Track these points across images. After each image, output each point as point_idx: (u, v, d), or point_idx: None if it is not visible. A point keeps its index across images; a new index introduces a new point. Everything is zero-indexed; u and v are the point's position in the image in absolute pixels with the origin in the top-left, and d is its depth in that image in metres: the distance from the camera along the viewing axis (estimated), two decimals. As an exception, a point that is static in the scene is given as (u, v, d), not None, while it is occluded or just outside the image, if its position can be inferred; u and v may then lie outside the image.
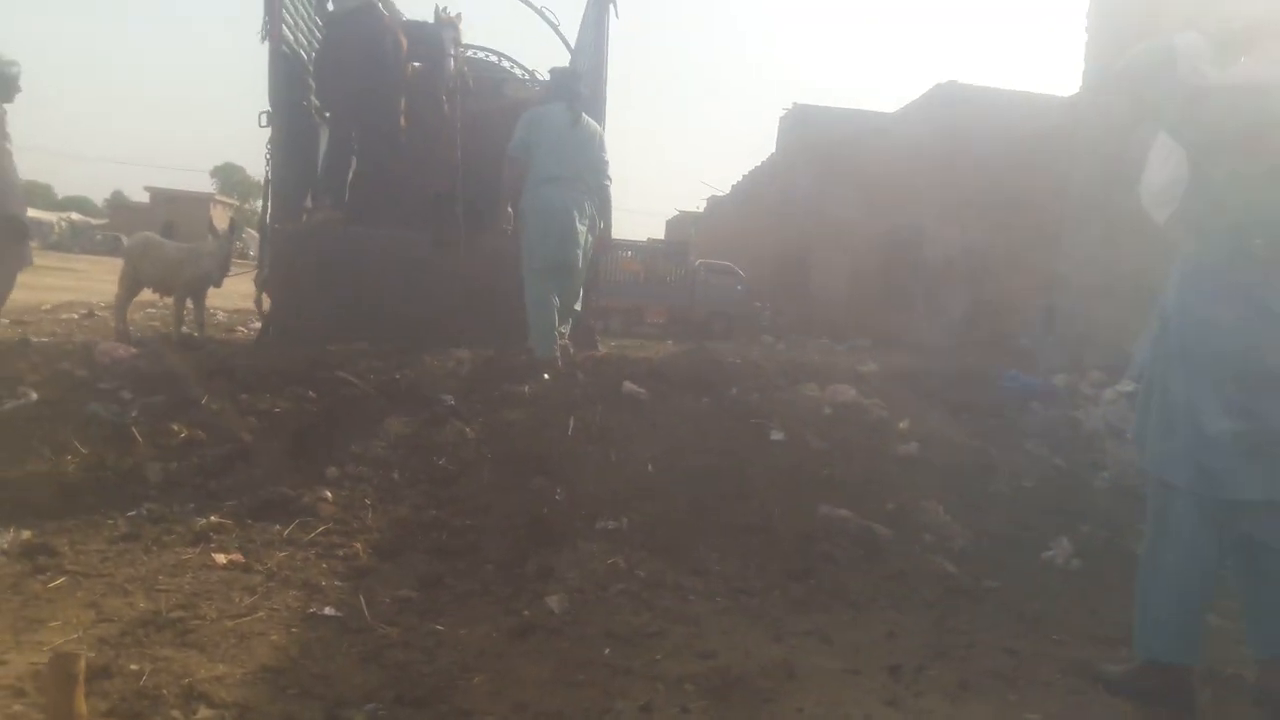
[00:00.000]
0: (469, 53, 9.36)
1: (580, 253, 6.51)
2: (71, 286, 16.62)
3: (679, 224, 48.71)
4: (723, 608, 3.31)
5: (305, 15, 8.22)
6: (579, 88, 6.67)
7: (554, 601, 3.13)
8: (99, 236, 51.77)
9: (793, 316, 22.93)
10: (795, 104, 30.35)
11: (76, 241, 50.51)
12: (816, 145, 26.61)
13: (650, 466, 4.47)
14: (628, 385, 5.33)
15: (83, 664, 1.90)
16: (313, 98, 8.04)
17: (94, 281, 19.25)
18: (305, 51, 8.12)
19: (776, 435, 4.87)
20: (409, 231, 7.48)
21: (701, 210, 46.15)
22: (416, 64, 8.15)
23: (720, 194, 42.35)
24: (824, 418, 5.31)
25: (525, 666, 2.66)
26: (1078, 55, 12.33)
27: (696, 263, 25.01)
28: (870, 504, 4.39)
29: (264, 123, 7.16)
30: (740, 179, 38.30)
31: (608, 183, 6.68)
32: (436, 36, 8.16)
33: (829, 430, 5.11)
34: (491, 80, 9.37)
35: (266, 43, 7.00)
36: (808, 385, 5.80)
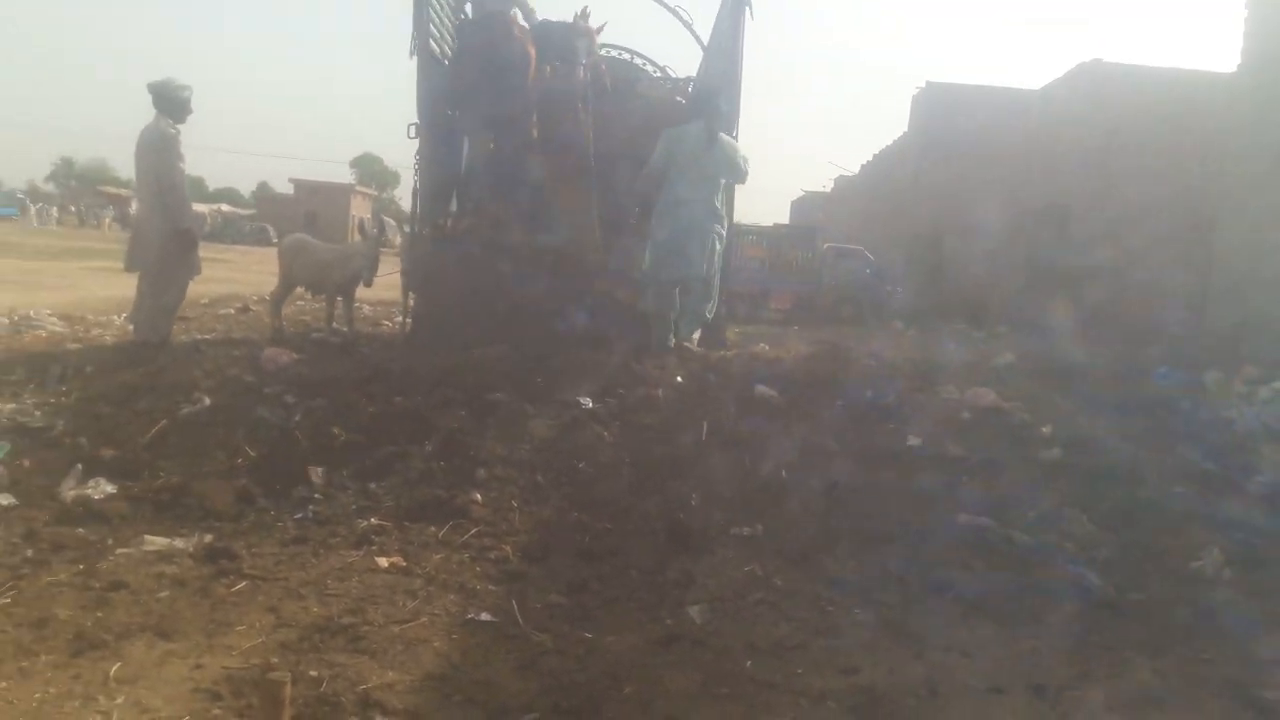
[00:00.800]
0: (603, 51, 9.49)
1: (706, 268, 6.82)
2: (225, 278, 17.62)
3: (805, 205, 48.03)
4: (861, 620, 3.34)
5: (449, 27, 8.51)
6: (719, 105, 6.94)
7: (696, 611, 3.23)
8: (248, 227, 54.58)
9: (926, 301, 22.36)
10: (928, 83, 29.61)
11: (227, 232, 53.37)
12: (952, 125, 25.89)
13: (784, 472, 4.52)
14: (760, 388, 5.37)
15: (288, 690, 2.10)
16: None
17: (246, 272, 20.41)
18: (449, 62, 8.41)
19: (913, 441, 4.85)
20: (545, 235, 7.69)
21: (829, 191, 45.42)
22: (550, 67, 8.31)
23: (849, 174, 41.63)
24: (963, 422, 5.24)
25: (672, 677, 2.77)
26: (1235, 31, 11.56)
27: (824, 246, 24.62)
28: (1011, 512, 4.34)
29: (412, 134, 7.48)
30: (870, 159, 37.58)
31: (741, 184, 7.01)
32: (570, 41, 8.31)
33: (968, 435, 5.05)
34: (626, 79, 9.48)
35: (414, 57, 7.29)
36: (945, 387, 5.72)
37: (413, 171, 7.84)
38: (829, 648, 3.07)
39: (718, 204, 7.00)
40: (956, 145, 25.24)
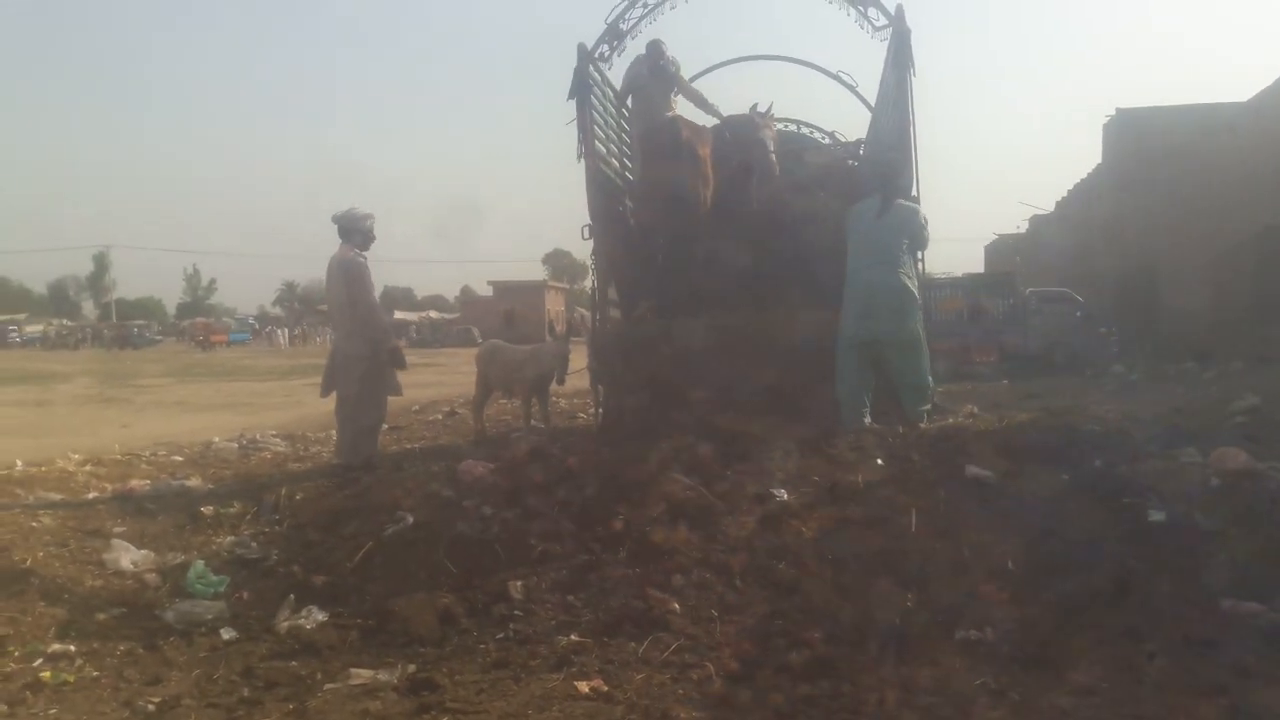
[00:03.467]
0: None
1: (903, 327, 6.80)
2: (434, 381, 18.58)
3: (999, 249, 46.15)
4: (1118, 741, 2.92)
5: (615, 125, 8.71)
6: (892, 179, 7.14)
7: (922, 737, 2.91)
8: (454, 330, 57.90)
9: (1145, 341, 20.75)
10: (1118, 109, 28.03)
11: (435, 336, 56.73)
12: (1150, 149, 24.34)
13: (1010, 562, 4.11)
14: (971, 468, 4.97)
15: None
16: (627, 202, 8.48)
17: (454, 374, 21.40)
18: (617, 160, 8.59)
19: (1155, 516, 4.32)
20: (723, 317, 7.61)
21: (1024, 232, 43.50)
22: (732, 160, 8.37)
23: (1044, 212, 39.76)
24: (1212, 490, 4.64)
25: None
26: None
27: (1026, 291, 23.39)
28: (1282, 593, 3.75)
29: (586, 235, 7.62)
30: (1065, 195, 35.80)
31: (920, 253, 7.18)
32: (752, 134, 8.40)
33: (1220, 505, 4.46)
34: (794, 151, 9.39)
35: (582, 160, 7.47)
36: (1186, 450, 5.12)
37: (589, 269, 7.98)
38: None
39: (901, 266, 6.89)
40: (1157, 171, 23.66)
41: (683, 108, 8.85)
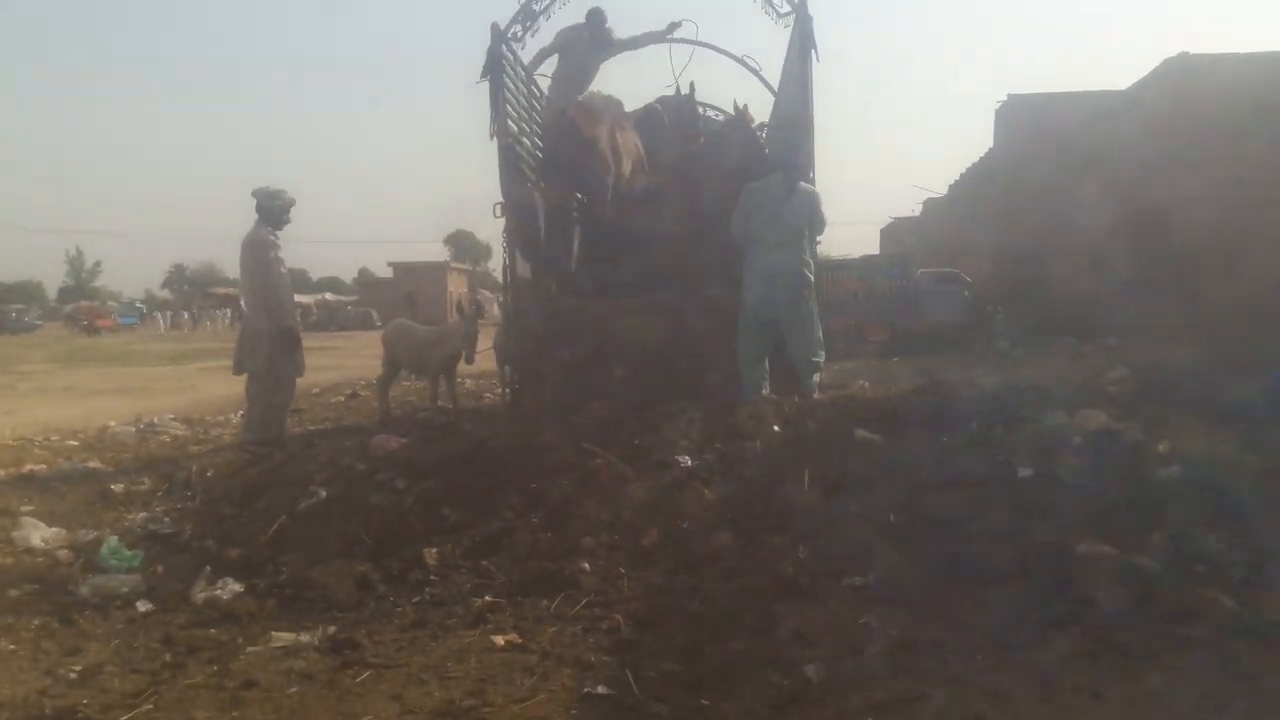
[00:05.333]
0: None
1: (799, 307, 7.11)
2: (334, 364, 18.36)
3: (894, 231, 47.38)
4: (984, 665, 3.24)
5: (526, 105, 8.84)
6: (796, 159, 7.35)
7: (812, 670, 3.19)
8: (351, 313, 56.52)
9: (1029, 318, 21.75)
10: (1010, 95, 29.13)
11: (333, 319, 55.42)
12: (1041, 133, 25.35)
13: (892, 516, 4.45)
14: (860, 432, 5.31)
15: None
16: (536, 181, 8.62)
17: (353, 358, 21.17)
18: (529, 140, 8.72)
19: (1024, 471, 4.72)
20: (629, 298, 7.84)
21: (918, 215, 44.78)
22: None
23: (936, 195, 41.02)
24: (1074, 447, 5.07)
25: (792, 741, 2.74)
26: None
27: (918, 273, 24.24)
28: (1134, 537, 4.17)
29: (498, 213, 7.75)
30: (958, 178, 37.00)
31: (819, 240, 7.49)
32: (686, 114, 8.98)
33: (1081, 461, 4.88)
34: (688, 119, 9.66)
35: (495, 139, 7.58)
36: (1053, 413, 5.56)
37: (501, 247, 8.10)
38: (952, 697, 2.99)
39: (803, 251, 7.23)
40: (1045, 155, 24.69)
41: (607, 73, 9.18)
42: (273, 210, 7.65)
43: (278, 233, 7.69)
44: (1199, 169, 17.40)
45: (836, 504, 4.63)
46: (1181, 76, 18.43)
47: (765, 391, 7.05)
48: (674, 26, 9.50)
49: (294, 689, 3.26)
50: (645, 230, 8.17)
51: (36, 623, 4.04)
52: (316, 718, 3.03)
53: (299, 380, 8.15)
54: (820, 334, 7.39)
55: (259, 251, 7.52)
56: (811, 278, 7.29)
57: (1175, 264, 17.40)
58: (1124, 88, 22.11)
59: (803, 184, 7.29)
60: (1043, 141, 24.98)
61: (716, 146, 9.15)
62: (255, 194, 7.64)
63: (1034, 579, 3.88)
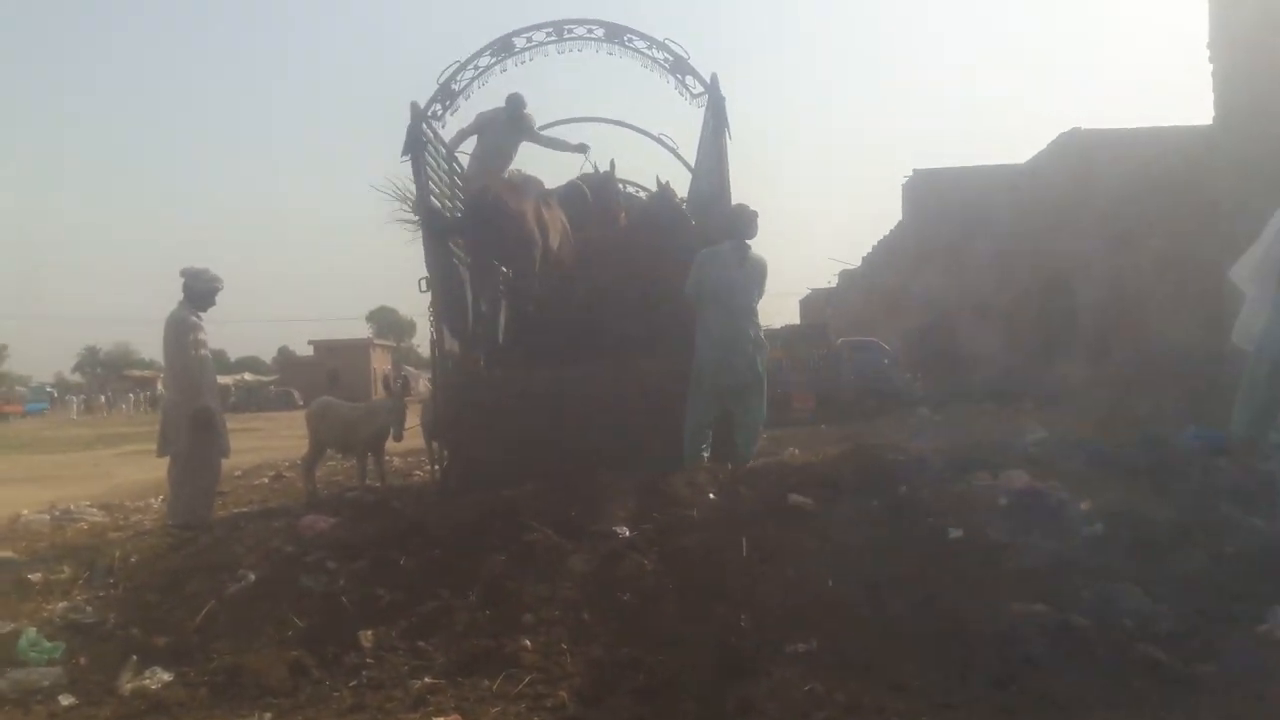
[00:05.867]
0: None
1: (755, 374, 7.28)
2: (256, 446, 17.92)
3: (812, 303, 48.51)
4: (929, 728, 3.28)
5: (448, 181, 8.93)
6: (746, 229, 7.39)
7: (760, 739, 3.19)
8: (272, 392, 55.32)
9: (946, 385, 22.36)
10: (915, 170, 30.31)
11: (252, 400, 54.09)
12: (944, 208, 26.36)
13: (830, 581, 4.50)
14: (793, 497, 5.39)
15: None
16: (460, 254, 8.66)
17: (275, 439, 20.68)
18: (450, 214, 8.78)
19: (955, 533, 4.83)
20: (560, 369, 7.87)
21: (834, 285, 45.92)
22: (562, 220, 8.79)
23: (851, 267, 42.15)
24: (1001, 508, 5.22)
25: (744, 812, 2.72)
26: (1203, 84, 11.94)
27: (839, 341, 24.79)
28: (1064, 594, 4.27)
29: (423, 288, 7.74)
30: (870, 250, 38.12)
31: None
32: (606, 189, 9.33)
33: (1008, 520, 5.02)
34: (613, 209, 9.89)
35: (418, 215, 7.63)
36: (978, 474, 5.72)
37: (428, 322, 8.09)
38: (900, 760, 3.02)
39: (756, 317, 7.45)
40: (951, 227, 25.64)
41: (525, 155, 9.40)
42: (197, 292, 7.62)
43: (201, 314, 7.61)
44: (1096, 235, 18.31)
45: (774, 571, 4.66)
46: (1076, 150, 19.45)
47: (705, 456, 7.12)
48: (583, 148, 9.97)
49: (228, 784, 3.13)
50: (574, 302, 8.24)
51: (-52, 723, 3.83)
52: (254, 813, 2.91)
53: (224, 462, 7.97)
54: (765, 402, 7.55)
55: (178, 332, 7.46)
56: (763, 338, 7.50)
57: (1081, 326, 18.14)
58: (1022, 162, 23.20)
59: (753, 253, 7.42)
60: (948, 213, 25.96)
61: (642, 221, 9.34)
62: (182, 273, 7.62)
63: (972, 639, 3.94)
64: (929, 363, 24.54)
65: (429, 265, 7.74)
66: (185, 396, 7.50)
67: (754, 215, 7.38)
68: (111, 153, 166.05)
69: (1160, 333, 15.96)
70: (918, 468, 6.01)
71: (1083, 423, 10.68)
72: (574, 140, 10.08)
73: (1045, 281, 20.32)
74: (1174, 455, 6.40)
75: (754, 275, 7.43)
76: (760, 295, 7.61)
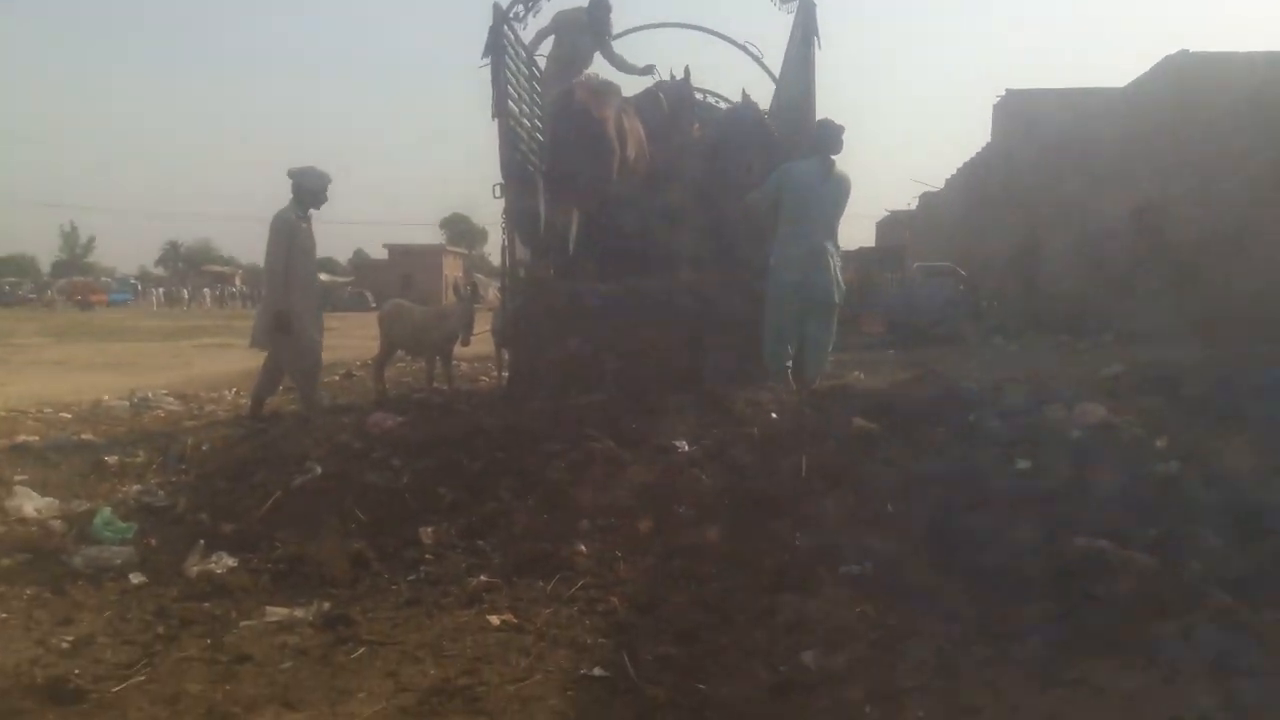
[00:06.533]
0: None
1: (833, 290, 7.10)
2: (330, 345, 18.21)
3: (890, 225, 47.40)
4: (981, 657, 3.23)
5: (528, 86, 8.80)
6: (832, 144, 7.17)
7: (810, 657, 3.18)
8: (347, 294, 56.33)
9: (1024, 314, 21.77)
10: (1008, 90, 29.09)
11: (328, 300, 55.10)
12: (1037, 131, 25.33)
13: (889, 506, 4.44)
14: (858, 421, 5.30)
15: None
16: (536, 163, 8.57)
17: (348, 338, 21.03)
18: (529, 121, 8.68)
19: (1022, 464, 4.71)
20: (627, 281, 7.81)
21: (914, 209, 44.77)
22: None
23: (933, 190, 41.00)
24: (1072, 441, 5.07)
25: (789, 727, 2.73)
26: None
27: (914, 266, 24.27)
28: (1130, 533, 4.15)
29: (497, 194, 7.70)
30: (955, 173, 36.96)
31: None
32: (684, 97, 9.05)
33: (1079, 455, 4.88)
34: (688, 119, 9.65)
35: (495, 119, 7.53)
36: (1052, 406, 5.55)
37: (500, 229, 8.06)
38: (949, 689, 2.99)
39: (836, 237, 7.27)
40: (1043, 152, 24.67)
41: (599, 64, 9.18)
42: (306, 190, 7.78)
43: (314, 210, 7.86)
44: (1197, 167, 17.39)
45: (833, 493, 4.62)
46: (1181, 74, 18.39)
47: (789, 369, 7.08)
48: (649, 69, 9.73)
49: (288, 664, 3.24)
50: (646, 214, 8.12)
51: (29, 592, 4.01)
52: (310, 693, 3.01)
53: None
54: (836, 323, 7.44)
55: (273, 232, 7.68)
56: (840, 263, 7.34)
57: (1172, 262, 17.40)
58: (1121, 85, 22.08)
59: (838, 169, 7.19)
60: (1040, 137, 24.97)
61: (721, 131, 9.11)
62: (289, 174, 7.80)
63: (1030, 572, 3.87)
64: (1007, 291, 23.90)
65: (504, 170, 7.67)
66: (272, 295, 7.78)
67: (839, 130, 7.09)
68: (196, 60, 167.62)
69: (1259, 273, 15.25)
70: (988, 397, 5.86)
71: (1165, 359, 10.31)
72: (641, 62, 9.81)
73: (1137, 211, 19.47)
74: (1256, 395, 6.13)
75: (839, 192, 7.22)
76: (841, 214, 7.41)
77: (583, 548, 4.29)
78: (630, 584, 3.98)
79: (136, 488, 5.44)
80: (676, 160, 8.78)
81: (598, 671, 3.13)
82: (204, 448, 6.20)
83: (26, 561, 4.33)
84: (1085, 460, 4.81)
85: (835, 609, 3.62)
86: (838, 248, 7.32)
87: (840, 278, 7.27)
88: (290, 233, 7.63)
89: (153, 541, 4.58)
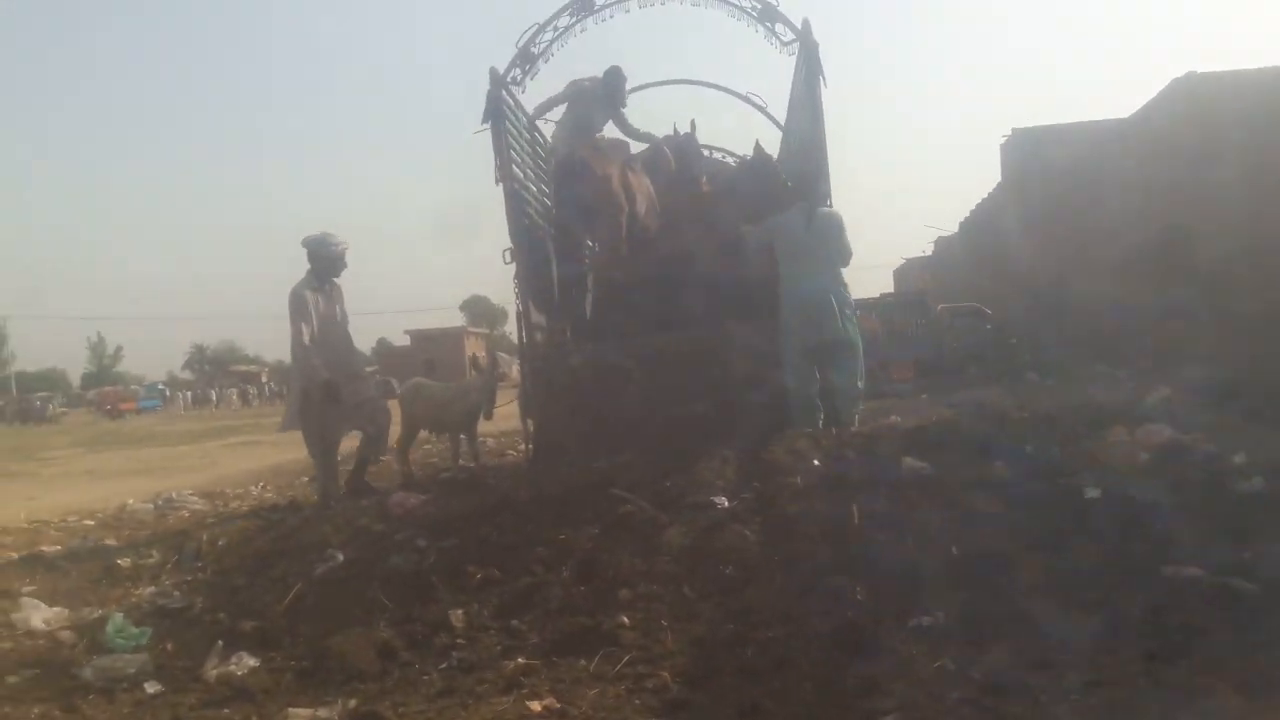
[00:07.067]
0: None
1: (842, 327, 7.08)
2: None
3: (907, 272, 47.28)
4: (1082, 706, 2.88)
5: (529, 150, 8.70)
6: (815, 186, 7.36)
7: (890, 721, 2.84)
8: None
9: (1054, 348, 21.34)
10: (1014, 129, 29.06)
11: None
12: (1048, 166, 25.20)
13: (954, 549, 4.10)
14: (909, 461, 4.98)
15: None
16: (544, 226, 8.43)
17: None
18: (534, 185, 8.56)
19: (1092, 493, 4.36)
20: (647, 337, 7.60)
21: (929, 254, 44.63)
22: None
23: (947, 233, 40.85)
24: (1142, 464, 4.72)
25: (876, 806, 2.38)
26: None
27: (939, 308, 23.95)
28: (1221, 556, 3.81)
29: (508, 259, 7.53)
30: (968, 215, 36.83)
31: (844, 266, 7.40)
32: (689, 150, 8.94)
33: (1151, 478, 4.53)
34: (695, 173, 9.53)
35: (500, 185, 7.41)
36: (1113, 429, 5.21)
37: (513, 294, 7.88)
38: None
39: (833, 275, 7.21)
40: (1055, 186, 24.49)
41: (611, 132, 9.07)
42: (318, 258, 7.32)
43: (334, 281, 7.43)
44: (1218, 186, 17.07)
45: (890, 539, 4.28)
46: (1191, 95, 18.21)
47: (820, 420, 6.95)
48: (651, 138, 9.49)
49: (313, 771, 2.93)
50: (660, 270, 7.95)
51: (37, 711, 3.73)
52: (337, 803, 2.70)
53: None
54: (862, 362, 7.35)
55: (289, 307, 7.20)
56: (850, 299, 7.28)
57: (1202, 283, 17.01)
58: (1127, 115, 21.96)
59: (822, 209, 7.23)
60: (1051, 171, 24.82)
61: (731, 185, 8.98)
62: (304, 244, 7.36)
63: (1120, 608, 3.51)
64: (1034, 327, 23.48)
65: (512, 235, 7.51)
66: (298, 372, 7.30)
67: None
68: (211, 157, 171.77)
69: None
70: (1044, 425, 5.52)
71: (1211, 377, 9.90)
72: (653, 129, 9.63)
73: (1161, 235, 19.14)
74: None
75: (827, 232, 7.22)
76: (841, 250, 7.36)
77: (625, 619, 3.96)
78: (680, 656, 3.64)
79: (150, 590, 5.19)
80: (690, 213, 8.62)
81: (653, 757, 2.80)
82: (220, 543, 5.95)
83: (34, 677, 4.07)
84: (1158, 484, 4.46)
85: (910, 666, 3.27)
86: (843, 285, 7.30)
87: (848, 314, 7.23)
88: (303, 304, 7.14)
89: (169, 646, 4.31)
